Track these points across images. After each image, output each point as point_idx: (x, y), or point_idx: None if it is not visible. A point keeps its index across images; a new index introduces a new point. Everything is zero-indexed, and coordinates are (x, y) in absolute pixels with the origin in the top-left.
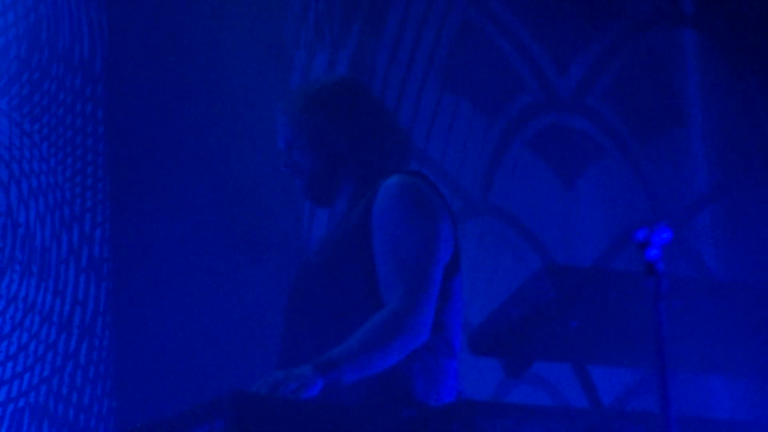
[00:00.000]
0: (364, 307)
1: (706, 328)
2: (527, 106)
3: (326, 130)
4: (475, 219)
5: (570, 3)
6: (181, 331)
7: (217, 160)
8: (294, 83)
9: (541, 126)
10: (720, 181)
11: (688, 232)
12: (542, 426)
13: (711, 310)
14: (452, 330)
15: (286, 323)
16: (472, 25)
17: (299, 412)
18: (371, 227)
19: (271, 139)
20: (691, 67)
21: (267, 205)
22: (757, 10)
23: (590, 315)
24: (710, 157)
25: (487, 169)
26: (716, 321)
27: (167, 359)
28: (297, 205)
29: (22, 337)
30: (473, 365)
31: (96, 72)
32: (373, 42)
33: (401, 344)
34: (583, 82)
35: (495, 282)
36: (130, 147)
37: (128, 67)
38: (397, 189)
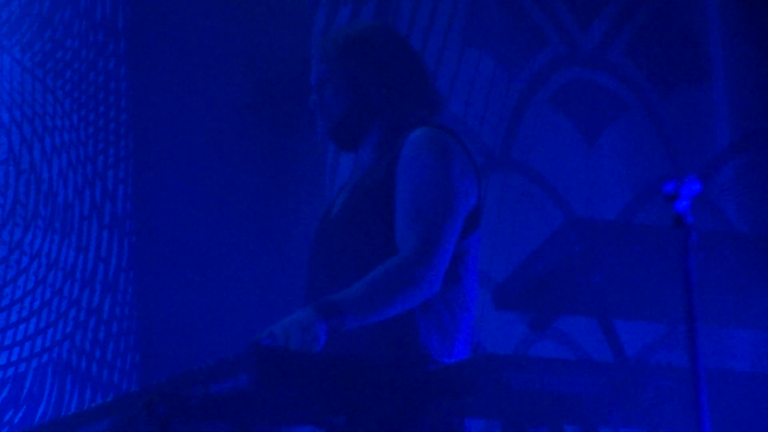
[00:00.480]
0: (386, 259)
1: (729, 281)
2: (549, 61)
3: (361, 76)
4: (496, 174)
5: None
6: (203, 286)
7: (240, 113)
8: (315, 40)
9: (563, 81)
10: (742, 136)
11: (710, 186)
12: (566, 380)
13: (734, 263)
14: (468, 283)
15: (310, 273)
16: None
17: (321, 365)
18: (395, 181)
19: (294, 94)
20: (713, 21)
21: (290, 157)
22: None
23: (614, 269)
24: (732, 111)
25: (509, 124)
26: (739, 274)
27: (190, 314)
28: (320, 155)
29: (45, 293)
30: (496, 320)
31: (118, 28)
32: None
33: (409, 294)
34: (605, 36)
35: (517, 237)
36: (153, 103)
37: (150, 22)
38: (421, 141)
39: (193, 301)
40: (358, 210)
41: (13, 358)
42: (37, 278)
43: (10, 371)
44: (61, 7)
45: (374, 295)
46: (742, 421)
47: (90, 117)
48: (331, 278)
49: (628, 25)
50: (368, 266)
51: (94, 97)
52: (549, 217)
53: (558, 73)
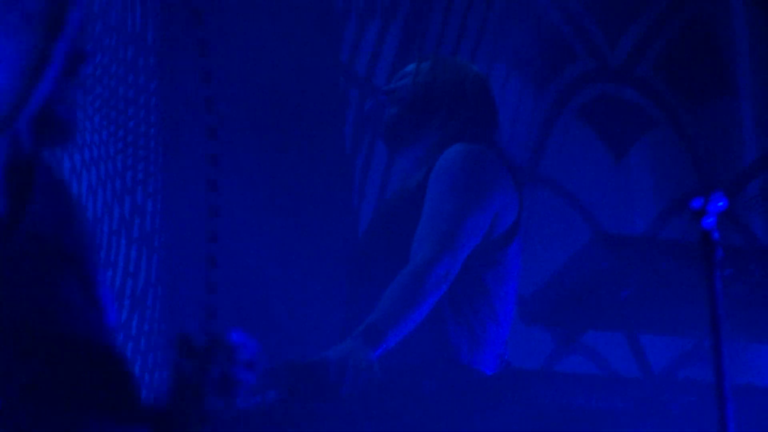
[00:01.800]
0: None
1: (756, 296)
2: (577, 76)
3: (437, 91)
4: (524, 189)
5: None
6: (231, 301)
7: (270, 126)
8: (344, 55)
9: (591, 96)
10: None
11: (737, 201)
12: (593, 395)
13: (761, 278)
14: (498, 296)
15: (350, 283)
16: None
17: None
18: (426, 192)
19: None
20: (740, 36)
21: (320, 168)
22: None
23: (641, 284)
24: (759, 126)
25: (537, 139)
26: (766, 289)
27: (218, 330)
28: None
29: None
30: (524, 334)
31: (148, 43)
32: (424, 11)
33: (427, 300)
34: (633, 51)
35: (544, 252)
36: (182, 117)
37: (179, 36)
38: (454, 155)
39: (220, 317)
40: (393, 221)
41: None
42: None
43: None
44: (92, 22)
45: (403, 310)
46: None
47: (119, 132)
48: (367, 285)
49: (656, 40)
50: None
51: (123, 113)
52: (576, 231)
53: (586, 88)
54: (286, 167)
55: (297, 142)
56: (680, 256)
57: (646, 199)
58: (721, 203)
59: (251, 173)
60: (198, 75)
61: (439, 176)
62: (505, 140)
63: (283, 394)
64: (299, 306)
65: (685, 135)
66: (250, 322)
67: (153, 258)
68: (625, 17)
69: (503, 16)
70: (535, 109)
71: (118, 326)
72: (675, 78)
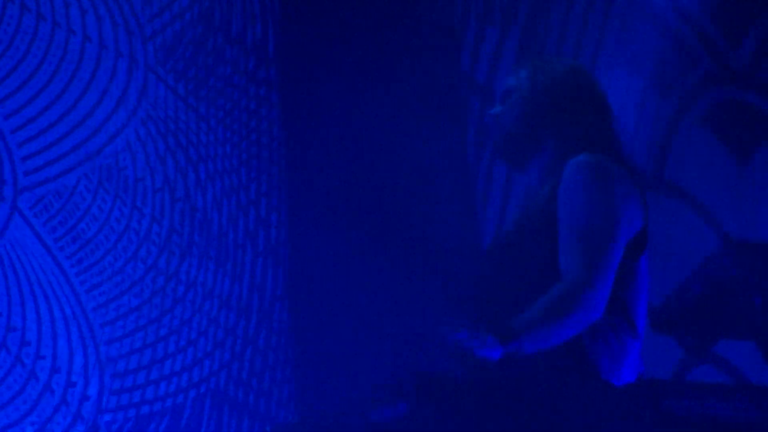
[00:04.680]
0: (551, 284)
1: None
2: (700, 80)
3: (541, 97)
4: (648, 196)
5: None
6: (358, 313)
7: (391, 136)
8: (464, 62)
9: (715, 101)
10: None
11: None
12: (727, 405)
13: None
14: (636, 310)
15: (475, 295)
16: None
17: (482, 391)
18: (556, 205)
19: (444, 114)
20: None
21: (442, 177)
22: None
23: None
24: None
25: (661, 145)
26: None
27: (346, 342)
28: (471, 177)
29: (202, 323)
30: (653, 345)
31: (269, 54)
32: (543, 17)
33: (577, 319)
34: (756, 55)
35: (670, 259)
36: (305, 129)
37: (301, 49)
38: (581, 167)
39: (348, 329)
40: (523, 235)
41: (172, 388)
42: (193, 307)
43: (169, 402)
44: (213, 33)
45: (548, 320)
46: None
47: (243, 144)
48: (494, 299)
49: None
50: (532, 289)
51: (246, 125)
52: (702, 238)
53: (709, 92)
54: (408, 176)
55: (419, 151)
56: None
57: None
58: None
59: (374, 183)
60: (319, 85)
61: (570, 190)
62: (627, 147)
63: (413, 405)
64: (423, 314)
65: None
66: (376, 334)
67: (279, 270)
68: (746, 19)
69: (623, 21)
70: (657, 115)
71: (246, 340)
72: None
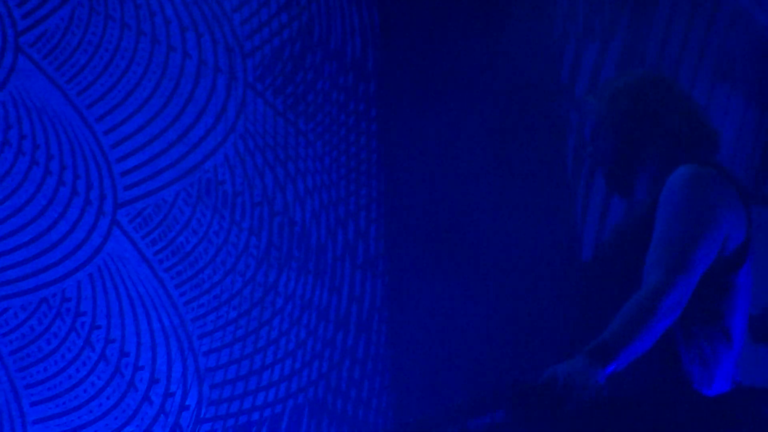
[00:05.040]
0: None
1: None
2: None
3: (630, 119)
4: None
5: None
6: (456, 324)
7: (488, 157)
8: (564, 78)
9: None
10: None
11: None
12: None
13: None
14: (732, 321)
15: (578, 310)
16: (743, 11)
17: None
18: (655, 216)
19: (544, 126)
20: None
21: (539, 189)
22: None
23: None
24: None
25: (762, 158)
26: None
27: (443, 352)
28: (571, 188)
29: (300, 334)
30: (752, 353)
31: (368, 70)
32: (644, 32)
33: (660, 323)
34: None
35: None
36: (403, 143)
37: (400, 63)
38: (682, 179)
39: (445, 339)
40: (622, 248)
41: (270, 398)
42: (291, 319)
43: (267, 412)
44: (312, 49)
45: (634, 329)
46: None
47: (341, 159)
48: (597, 310)
49: None
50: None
51: (345, 140)
52: None
53: None
54: (506, 190)
55: (518, 164)
56: None
57: None
58: None
59: (471, 196)
60: (418, 100)
61: (668, 200)
62: (728, 161)
63: (511, 413)
64: (521, 331)
65: None
66: (473, 344)
67: (377, 282)
68: None
69: (725, 35)
70: (759, 129)
71: (344, 351)
72: None
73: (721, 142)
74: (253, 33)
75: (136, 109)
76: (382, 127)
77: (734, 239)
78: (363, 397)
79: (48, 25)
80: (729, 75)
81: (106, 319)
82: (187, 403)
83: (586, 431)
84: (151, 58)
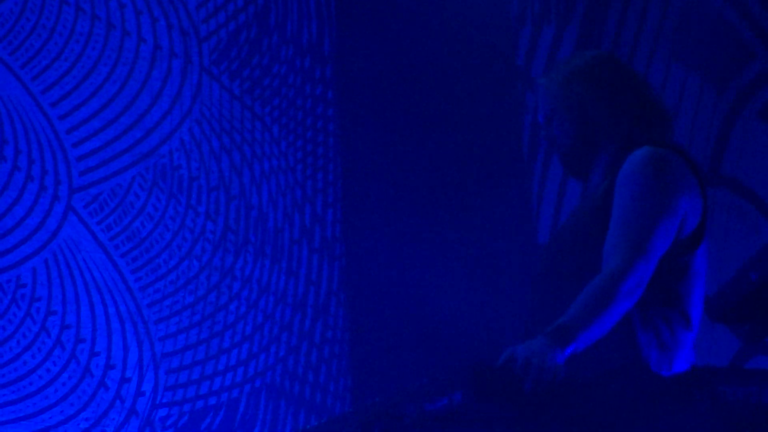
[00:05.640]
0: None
1: None
2: (757, 76)
3: (585, 101)
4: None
5: None
6: (413, 307)
7: (445, 140)
8: (520, 61)
9: None
10: None
11: None
12: None
13: None
14: (690, 303)
15: (533, 293)
16: None
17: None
18: (612, 199)
19: (499, 113)
20: None
21: (497, 175)
22: None
23: None
24: None
25: (717, 139)
26: None
27: (400, 336)
28: (527, 174)
29: (257, 318)
30: (708, 334)
31: (325, 53)
32: (599, 15)
33: (619, 307)
34: None
35: (727, 251)
36: (360, 127)
37: (356, 47)
38: (640, 159)
39: (403, 322)
40: (578, 230)
41: (227, 383)
42: (248, 303)
43: (224, 396)
44: (269, 33)
45: (594, 312)
46: None
47: (298, 142)
48: (552, 294)
49: None
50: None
51: (301, 123)
52: (759, 230)
53: (766, 87)
54: (463, 172)
55: (475, 147)
56: None
57: None
58: None
59: (429, 180)
60: (374, 83)
61: (625, 183)
62: (685, 143)
63: (469, 394)
64: (479, 313)
65: None
66: (431, 326)
67: (334, 266)
68: None
69: (680, 17)
70: (714, 110)
71: (302, 335)
72: None
73: (675, 122)
74: (209, 17)
75: (91, 94)
76: (338, 110)
77: (691, 221)
78: (321, 381)
79: (1, 10)
80: (685, 57)
81: (61, 306)
82: (143, 388)
83: (543, 412)
84: (106, 43)
